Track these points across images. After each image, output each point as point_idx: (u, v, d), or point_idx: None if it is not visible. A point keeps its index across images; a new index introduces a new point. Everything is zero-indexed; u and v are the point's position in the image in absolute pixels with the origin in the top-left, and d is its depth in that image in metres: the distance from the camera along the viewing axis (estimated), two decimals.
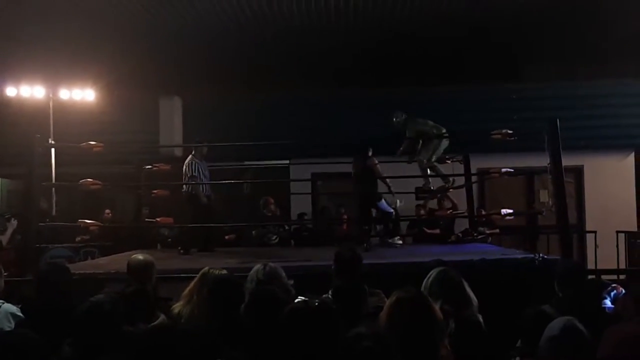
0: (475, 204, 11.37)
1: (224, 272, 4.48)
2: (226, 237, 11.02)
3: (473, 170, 10.56)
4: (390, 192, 9.37)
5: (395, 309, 2.88)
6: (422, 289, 3.91)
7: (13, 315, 4.34)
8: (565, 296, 4.41)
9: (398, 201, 9.53)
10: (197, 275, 4.43)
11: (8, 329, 4.12)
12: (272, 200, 11.33)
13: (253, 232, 11.10)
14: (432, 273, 4.04)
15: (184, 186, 8.98)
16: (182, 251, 8.77)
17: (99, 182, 8.30)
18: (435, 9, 11.17)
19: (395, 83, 13.56)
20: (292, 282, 4.54)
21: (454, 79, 13.61)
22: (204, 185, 9.01)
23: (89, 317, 3.38)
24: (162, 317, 4.12)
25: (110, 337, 3.34)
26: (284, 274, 4.47)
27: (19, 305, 4.49)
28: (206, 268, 4.48)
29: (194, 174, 8.87)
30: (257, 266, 4.46)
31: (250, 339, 3.02)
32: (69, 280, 4.75)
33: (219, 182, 9.66)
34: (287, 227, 11.72)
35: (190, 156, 9.07)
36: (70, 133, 11.34)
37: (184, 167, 8.97)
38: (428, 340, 2.78)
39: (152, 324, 3.92)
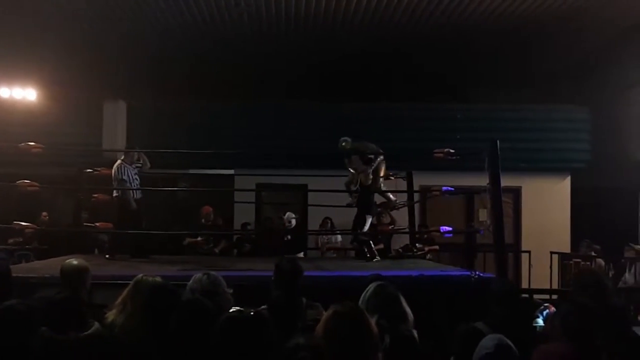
0: (417, 221, 11.52)
1: (159, 279, 4.39)
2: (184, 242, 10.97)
3: (415, 187, 10.69)
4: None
5: (331, 322, 2.90)
6: (360, 303, 3.94)
7: None
8: (498, 314, 4.49)
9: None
10: (131, 283, 4.35)
11: None
12: (209, 209, 11.27)
13: (187, 239, 11.02)
14: (370, 287, 4.06)
15: (114, 190, 8.90)
16: (107, 256, 8.71)
17: (37, 184, 8.13)
18: (381, 27, 11.30)
19: (342, 98, 13.66)
20: (231, 291, 4.52)
21: (400, 96, 13.79)
22: (134, 190, 8.94)
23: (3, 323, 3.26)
24: (96, 325, 4.03)
25: (23, 344, 3.22)
26: (224, 283, 4.45)
27: None
28: (140, 275, 4.36)
29: (122, 177, 8.82)
30: (198, 275, 4.42)
31: (182, 350, 3.00)
32: (9, 282, 4.64)
33: (158, 189, 9.57)
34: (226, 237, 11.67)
35: (119, 160, 9.00)
36: (10, 133, 11.10)
37: (113, 170, 8.89)
38: (362, 355, 2.81)
39: (85, 332, 3.82)
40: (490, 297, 4.65)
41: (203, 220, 11.20)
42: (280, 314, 4.04)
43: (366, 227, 9.33)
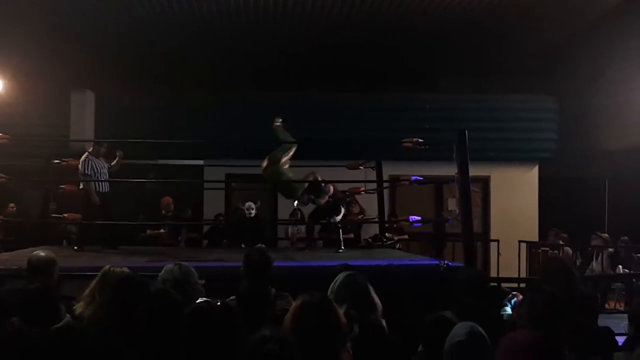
0: (386, 211, 11.58)
1: (126, 270, 4.39)
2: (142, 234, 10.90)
3: (385, 177, 10.74)
4: None
5: (299, 312, 2.93)
6: (329, 292, 3.95)
7: None
8: (466, 303, 4.53)
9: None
10: (98, 274, 4.33)
11: None
12: (169, 200, 11.21)
13: (147, 230, 10.96)
14: (339, 277, 4.08)
15: (80, 184, 8.84)
16: (75, 248, 8.67)
17: (4, 175, 8.03)
18: (349, 16, 11.28)
19: (311, 88, 13.65)
20: (203, 281, 4.51)
21: (368, 86, 13.82)
22: (100, 184, 8.87)
23: None
24: (67, 317, 4.01)
25: None
26: (196, 274, 4.45)
27: None
28: (107, 267, 4.37)
29: (86, 172, 8.77)
30: (169, 265, 4.43)
31: (150, 341, 3.00)
32: None
33: (121, 180, 9.47)
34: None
35: (85, 154, 8.94)
36: None
37: (79, 164, 8.84)
38: (330, 345, 2.84)
39: (57, 325, 3.81)
40: (457, 285, 4.69)
41: (163, 212, 11.12)
42: (248, 305, 4.05)
43: None
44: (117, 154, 9.21)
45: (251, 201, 10.22)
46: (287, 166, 8.82)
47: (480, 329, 3.21)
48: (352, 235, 11.32)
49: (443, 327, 3.50)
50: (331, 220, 9.37)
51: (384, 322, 4.03)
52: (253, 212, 10.34)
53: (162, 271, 4.41)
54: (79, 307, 4.16)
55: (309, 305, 2.94)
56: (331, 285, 4.06)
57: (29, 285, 4.11)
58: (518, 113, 13.93)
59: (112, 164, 9.17)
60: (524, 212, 13.75)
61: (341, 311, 3.10)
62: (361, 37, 12.12)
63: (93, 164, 8.83)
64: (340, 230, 9.36)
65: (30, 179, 11.10)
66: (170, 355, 2.90)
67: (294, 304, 3.01)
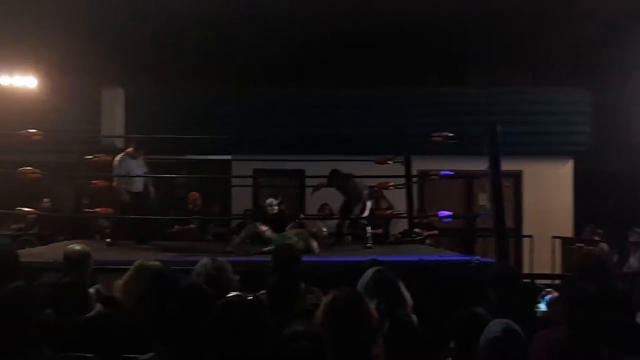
0: (415, 206, 11.51)
1: (158, 264, 4.45)
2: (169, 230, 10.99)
3: (414, 172, 10.67)
4: None
5: (331, 307, 2.91)
6: (358, 288, 3.94)
7: None
8: (497, 300, 4.48)
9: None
10: (131, 267, 4.39)
11: None
12: (196, 195, 11.26)
13: (175, 226, 11.03)
14: (368, 272, 4.07)
15: (113, 181, 8.93)
16: (107, 242, 8.75)
17: (38, 171, 8.13)
18: (378, 9, 11.18)
19: (340, 84, 13.62)
20: (237, 277, 4.53)
21: (397, 81, 13.73)
22: (134, 182, 8.94)
23: (7, 303, 3.30)
24: (98, 307, 4.09)
25: (27, 325, 3.25)
26: (230, 269, 4.48)
27: None
28: (139, 261, 4.44)
29: (118, 172, 8.85)
30: (204, 260, 4.46)
31: (180, 334, 3.00)
32: (17, 267, 4.65)
33: (150, 176, 9.54)
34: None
35: (122, 153, 9.05)
36: (11, 120, 11.08)
37: (115, 161, 8.92)
38: (362, 340, 2.82)
39: (88, 314, 3.93)
40: (488, 282, 4.64)
41: (190, 207, 11.19)
42: (277, 299, 4.05)
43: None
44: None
45: (273, 197, 10.19)
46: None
47: (516, 326, 3.19)
48: (380, 231, 11.28)
49: (475, 323, 3.46)
50: (357, 216, 9.32)
51: (414, 318, 4.00)
52: (275, 208, 10.31)
53: (197, 265, 4.44)
54: None
55: (340, 300, 2.92)
56: (360, 281, 4.05)
57: (60, 279, 4.18)
58: (551, 106, 13.74)
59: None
60: (558, 207, 13.54)
61: (372, 306, 3.07)
62: (390, 31, 12.03)
63: (127, 165, 8.90)
64: (368, 226, 9.30)
65: (63, 175, 11.24)
66: (200, 347, 2.90)
67: (325, 299, 2.99)
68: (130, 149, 9.08)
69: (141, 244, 8.67)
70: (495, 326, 3.18)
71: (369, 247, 8.82)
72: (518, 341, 3.14)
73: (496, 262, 6.91)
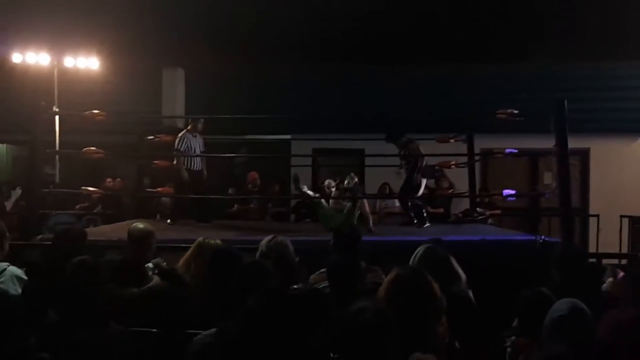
0: (478, 185, 11.33)
1: (219, 242, 4.52)
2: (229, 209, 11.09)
3: (476, 151, 10.50)
4: None
5: (393, 285, 2.89)
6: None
7: (18, 278, 4.39)
8: (563, 279, 4.39)
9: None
10: (193, 246, 4.45)
11: (13, 291, 4.16)
12: (256, 175, 11.31)
13: (235, 205, 11.10)
14: (419, 250, 4.08)
15: (174, 160, 8.98)
16: (168, 221, 8.84)
17: (102, 151, 8.27)
18: None
19: (400, 60, 13.46)
20: (297, 258, 4.59)
21: (460, 56, 13.51)
22: (194, 160, 8.98)
23: (74, 275, 3.48)
24: (156, 279, 4.23)
25: (92, 295, 3.41)
26: (291, 248, 4.50)
27: (24, 269, 4.53)
28: (201, 239, 4.52)
29: (180, 148, 8.87)
30: (267, 238, 4.54)
31: (241, 312, 3.01)
32: (84, 245, 4.77)
33: (212, 155, 9.60)
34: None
35: (184, 130, 9.06)
36: (74, 101, 11.32)
37: (176, 140, 8.96)
38: (426, 317, 2.79)
39: (147, 285, 4.09)
40: (554, 261, 4.55)
41: (250, 186, 11.26)
42: (338, 277, 4.04)
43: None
44: None
45: (331, 179, 10.11)
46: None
47: (583, 305, 3.12)
48: (441, 210, 11.16)
49: (540, 302, 3.42)
50: (410, 195, 9.20)
51: (470, 293, 3.97)
52: (334, 190, 10.28)
53: (261, 243, 4.50)
54: None
55: (403, 278, 2.91)
56: (411, 259, 4.05)
57: (119, 257, 4.35)
58: (620, 81, 13.34)
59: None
60: (626, 186, 13.14)
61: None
62: (452, 3, 11.83)
63: (189, 142, 8.92)
64: (420, 206, 9.18)
65: (125, 155, 11.43)
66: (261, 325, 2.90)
67: (388, 277, 2.99)
68: (189, 126, 9.13)
69: (201, 222, 8.72)
70: (561, 305, 3.14)
71: (426, 227, 8.69)
72: (585, 320, 3.09)
73: (561, 242, 6.75)
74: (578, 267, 4.48)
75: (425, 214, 9.14)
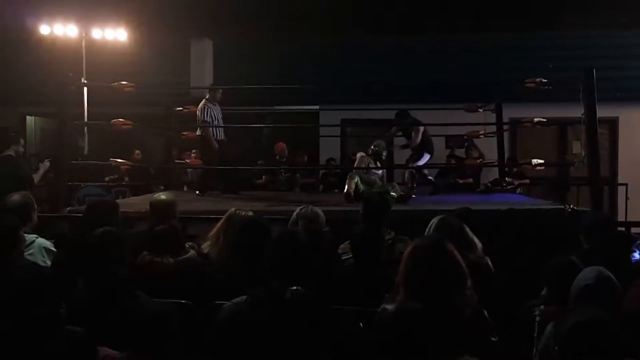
0: (507, 154, 11.27)
1: (250, 213, 4.53)
2: (257, 180, 11.17)
3: (505, 120, 10.42)
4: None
5: (411, 257, 2.90)
6: None
7: (47, 249, 4.43)
8: (591, 248, 4.39)
9: None
10: (224, 216, 4.48)
11: (42, 262, 4.19)
12: (283, 145, 11.32)
13: (263, 176, 11.14)
14: (433, 221, 4.13)
15: (198, 130, 8.97)
16: (197, 193, 8.82)
17: (130, 123, 8.32)
18: None
19: (427, 30, 13.36)
20: (327, 228, 4.65)
21: (487, 26, 13.38)
22: (218, 130, 8.96)
23: (101, 243, 3.56)
24: (192, 252, 4.27)
25: (120, 265, 3.50)
26: (322, 218, 4.55)
27: (52, 241, 4.59)
28: (233, 209, 4.53)
29: (205, 119, 8.81)
30: (299, 208, 4.66)
31: (271, 280, 3.05)
32: (116, 217, 4.80)
33: (238, 126, 9.60)
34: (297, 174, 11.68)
35: (203, 100, 8.98)
36: (102, 73, 11.36)
37: (197, 111, 8.93)
38: (449, 283, 2.81)
39: (182, 257, 4.12)
40: (582, 230, 4.54)
41: (277, 157, 11.29)
42: (362, 248, 4.08)
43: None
44: None
45: (363, 152, 10.08)
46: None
47: (609, 273, 3.13)
48: (470, 180, 11.14)
49: (568, 271, 3.42)
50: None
51: (488, 260, 4.03)
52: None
53: (294, 213, 4.59)
54: (205, 247, 4.37)
55: (420, 249, 2.91)
56: (427, 230, 4.09)
57: (157, 226, 4.34)
58: None
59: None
60: None
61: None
62: None
63: (211, 111, 8.86)
64: (415, 176, 9.17)
65: (154, 126, 11.50)
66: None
67: (407, 249, 2.98)
68: (208, 95, 9.07)
69: (227, 193, 8.74)
70: (588, 273, 3.13)
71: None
72: (611, 288, 3.09)
73: (590, 211, 6.73)
74: (606, 235, 4.47)
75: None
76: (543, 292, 3.59)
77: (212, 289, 3.75)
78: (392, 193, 8.06)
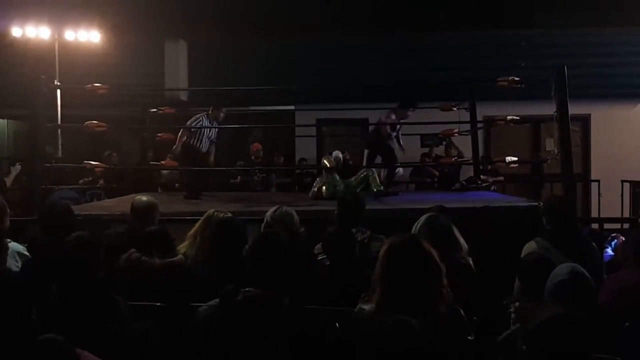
0: (481, 152, 11.35)
1: (229, 214, 4.53)
2: (231, 180, 11.15)
3: (479, 118, 10.51)
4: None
5: (387, 255, 2.92)
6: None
7: (20, 254, 4.41)
8: (553, 228, 4.54)
9: None
10: (202, 217, 4.48)
11: (15, 267, 4.19)
12: (259, 146, 11.30)
13: (239, 177, 11.13)
14: (422, 218, 4.13)
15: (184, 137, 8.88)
16: (184, 195, 8.75)
17: (104, 124, 8.27)
18: None
19: (401, 28, 13.42)
20: (302, 229, 4.63)
21: (461, 23, 13.46)
22: (202, 142, 8.84)
23: (72, 251, 3.49)
24: (180, 255, 4.26)
25: (94, 270, 3.44)
26: (296, 218, 4.55)
27: (25, 245, 4.56)
28: (211, 210, 4.54)
29: (191, 124, 8.77)
30: (272, 209, 4.61)
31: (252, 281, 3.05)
32: (72, 220, 4.79)
33: (214, 127, 9.56)
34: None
35: (203, 113, 8.86)
36: (76, 75, 11.27)
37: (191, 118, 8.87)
38: (424, 279, 2.82)
39: (170, 259, 4.13)
40: (543, 213, 4.67)
41: (252, 158, 11.26)
42: (334, 249, 4.10)
43: None
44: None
45: (338, 150, 10.10)
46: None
47: (582, 269, 3.17)
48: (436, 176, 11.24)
49: (541, 265, 3.46)
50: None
51: (470, 261, 4.02)
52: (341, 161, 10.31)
53: (266, 214, 4.56)
54: (182, 247, 4.37)
55: (396, 245, 2.93)
56: (414, 227, 4.09)
57: (137, 227, 4.40)
58: (619, 47, 13.31)
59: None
60: (626, 151, 13.17)
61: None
62: None
63: (202, 124, 8.78)
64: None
65: (129, 128, 11.44)
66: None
67: (383, 247, 3.00)
68: (210, 110, 8.89)
69: (191, 199, 8.55)
70: (561, 270, 3.16)
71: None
72: (585, 283, 3.12)
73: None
74: (563, 215, 4.61)
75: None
76: (516, 288, 3.63)
77: (193, 290, 3.74)
78: (371, 184, 8.18)
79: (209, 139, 8.93)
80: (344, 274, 3.92)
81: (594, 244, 4.63)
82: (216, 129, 9.01)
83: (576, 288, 3.06)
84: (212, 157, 9.11)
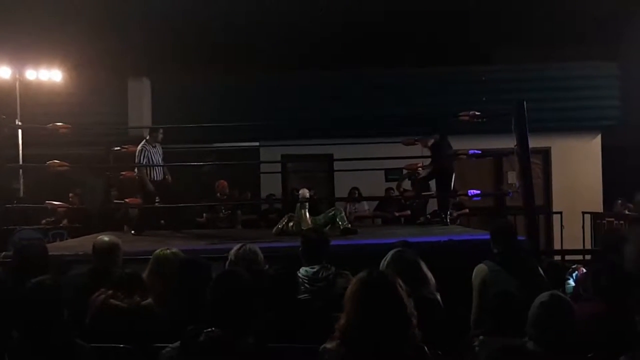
0: None
1: (175, 251, 4.54)
2: (198, 219, 11.08)
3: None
4: None
5: (355, 291, 2.87)
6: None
7: None
8: (499, 252, 4.82)
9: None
10: (150, 259, 4.48)
11: None
12: (225, 183, 11.31)
13: (204, 215, 11.10)
14: (389, 254, 4.14)
15: (135, 171, 8.96)
16: (133, 232, 8.80)
17: (67, 164, 8.20)
18: None
19: (364, 64, 13.57)
20: (267, 266, 4.58)
21: (422, 60, 13.65)
22: (155, 171, 8.93)
23: (32, 297, 3.39)
24: (149, 300, 4.18)
25: (54, 316, 3.35)
26: (261, 256, 4.52)
27: None
28: (158, 250, 4.54)
29: (141, 160, 8.83)
30: (236, 246, 4.55)
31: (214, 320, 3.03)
32: (46, 260, 4.72)
33: (178, 165, 9.58)
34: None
35: (143, 142, 8.98)
36: (38, 114, 11.21)
37: (136, 153, 8.91)
38: (395, 320, 2.78)
39: (143, 302, 4.08)
40: (491, 238, 4.98)
41: (219, 195, 11.24)
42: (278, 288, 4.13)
43: None
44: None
45: (306, 188, 10.13)
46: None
47: (562, 294, 3.34)
48: (408, 213, 11.27)
49: (508, 300, 3.49)
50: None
51: (438, 296, 4.03)
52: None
53: (231, 251, 4.52)
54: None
55: (366, 282, 2.89)
56: (382, 263, 4.09)
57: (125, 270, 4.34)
58: (577, 81, 13.60)
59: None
60: (587, 183, 13.42)
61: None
62: (414, 8, 11.94)
63: (149, 154, 8.88)
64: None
65: (92, 167, 11.34)
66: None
67: (352, 282, 2.96)
68: (148, 137, 9.07)
69: (139, 235, 8.60)
70: (541, 296, 3.26)
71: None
72: (565, 305, 3.23)
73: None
74: (508, 240, 4.90)
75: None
76: (473, 319, 3.65)
77: (158, 332, 3.69)
78: (338, 222, 8.20)
79: (158, 162, 9.02)
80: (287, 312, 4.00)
81: (538, 267, 4.88)
82: (160, 152, 9.09)
83: (557, 308, 3.17)
84: (169, 177, 9.17)
